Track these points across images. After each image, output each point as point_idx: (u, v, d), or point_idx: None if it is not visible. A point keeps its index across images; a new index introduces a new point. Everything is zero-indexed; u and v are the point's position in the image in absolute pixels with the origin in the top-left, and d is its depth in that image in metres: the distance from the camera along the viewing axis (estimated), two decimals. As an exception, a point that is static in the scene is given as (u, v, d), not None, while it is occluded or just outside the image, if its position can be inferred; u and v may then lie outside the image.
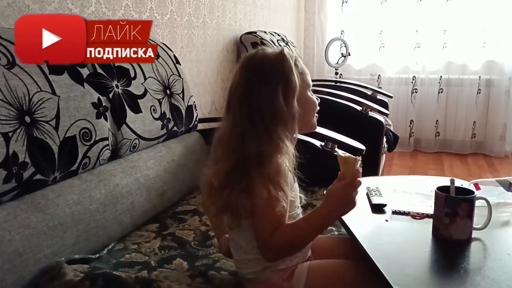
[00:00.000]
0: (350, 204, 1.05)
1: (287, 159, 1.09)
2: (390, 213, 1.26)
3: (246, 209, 1.06)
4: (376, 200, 1.32)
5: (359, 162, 1.06)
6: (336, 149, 1.13)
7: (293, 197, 1.12)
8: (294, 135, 1.13)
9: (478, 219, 1.12)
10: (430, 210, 1.18)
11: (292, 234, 1.05)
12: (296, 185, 1.16)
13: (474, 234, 1.12)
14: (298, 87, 1.10)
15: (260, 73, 1.09)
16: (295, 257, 1.14)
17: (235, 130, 1.07)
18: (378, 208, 1.29)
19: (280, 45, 3.37)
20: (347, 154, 1.07)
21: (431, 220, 1.16)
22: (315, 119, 1.21)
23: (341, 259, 1.20)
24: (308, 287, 1.13)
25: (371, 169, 2.71)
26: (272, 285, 1.13)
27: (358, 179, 1.04)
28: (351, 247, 1.24)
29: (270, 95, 1.06)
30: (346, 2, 4.88)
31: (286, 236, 1.04)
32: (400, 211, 1.26)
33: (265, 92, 1.07)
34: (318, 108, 1.21)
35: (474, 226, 1.11)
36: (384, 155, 3.41)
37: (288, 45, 3.68)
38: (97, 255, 1.30)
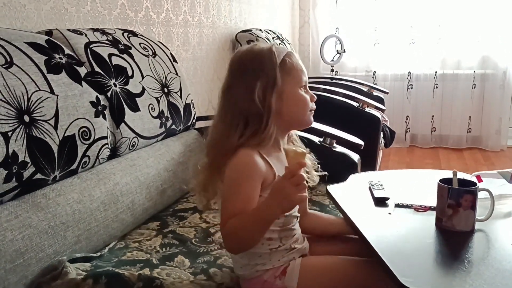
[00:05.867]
0: (285, 200, 0.96)
1: (268, 157, 1.10)
2: (393, 206, 1.27)
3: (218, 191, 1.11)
4: (378, 193, 1.32)
5: (303, 155, 1.02)
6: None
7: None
8: (275, 132, 1.11)
9: (480, 210, 1.13)
10: (433, 203, 1.18)
11: (237, 225, 1.00)
12: None
13: (477, 225, 1.12)
14: (281, 84, 1.10)
15: (241, 68, 1.13)
16: (282, 256, 1.14)
17: (215, 121, 1.14)
18: (380, 202, 1.29)
19: (275, 43, 3.37)
20: (295, 147, 1.03)
21: (434, 212, 1.16)
22: (308, 116, 1.18)
23: (337, 255, 1.19)
24: (301, 284, 1.11)
25: (368, 164, 2.71)
26: (264, 283, 1.13)
27: (299, 173, 0.95)
28: (349, 244, 1.25)
29: (246, 90, 1.09)
30: (340, -1, 4.89)
31: (233, 226, 1.01)
32: (402, 204, 1.26)
33: (242, 87, 1.10)
34: (313, 105, 1.19)
35: (477, 217, 1.12)
36: (381, 151, 3.41)
37: (284, 43, 3.69)
38: (99, 253, 1.30)
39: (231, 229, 1.01)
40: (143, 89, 1.68)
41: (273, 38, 3.43)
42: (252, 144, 1.08)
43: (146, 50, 1.81)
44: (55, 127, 1.24)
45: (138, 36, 1.85)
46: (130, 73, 1.64)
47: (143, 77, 1.70)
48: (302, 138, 1.29)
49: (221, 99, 1.14)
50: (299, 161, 0.98)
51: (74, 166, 1.32)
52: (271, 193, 0.99)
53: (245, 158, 1.06)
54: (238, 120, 1.09)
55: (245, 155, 1.07)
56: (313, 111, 1.19)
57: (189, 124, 1.99)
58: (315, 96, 1.20)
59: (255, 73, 1.10)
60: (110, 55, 1.59)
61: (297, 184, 0.95)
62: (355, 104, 3.20)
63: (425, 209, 1.23)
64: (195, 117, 2.05)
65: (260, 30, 3.34)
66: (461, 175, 1.18)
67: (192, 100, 2.01)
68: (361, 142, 2.11)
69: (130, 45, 1.73)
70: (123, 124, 1.55)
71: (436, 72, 4.69)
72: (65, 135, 1.27)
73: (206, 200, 1.15)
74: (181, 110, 1.90)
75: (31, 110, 1.18)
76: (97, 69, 1.51)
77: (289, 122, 1.17)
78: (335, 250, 1.23)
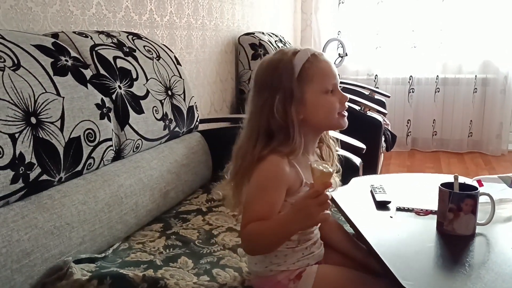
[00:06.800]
0: (308, 218, 0.99)
1: (291, 164, 1.10)
2: (394, 210, 1.28)
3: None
4: (380, 197, 1.33)
5: (330, 175, 0.99)
6: (314, 160, 1.14)
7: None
8: (303, 140, 1.11)
9: (481, 215, 1.14)
10: (434, 207, 1.19)
11: (257, 230, 1.03)
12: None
13: (478, 229, 1.13)
14: (301, 93, 1.10)
15: (259, 82, 1.15)
16: (297, 259, 1.15)
17: (241, 133, 1.16)
18: (382, 205, 1.30)
19: (278, 46, 3.38)
20: (322, 166, 1.00)
21: (435, 216, 1.17)
22: (337, 120, 1.16)
23: (353, 268, 1.19)
24: None
25: (369, 168, 2.73)
26: (277, 283, 1.14)
27: (324, 193, 0.97)
28: (365, 259, 1.24)
29: (265, 105, 1.11)
30: (342, 3, 4.90)
31: (253, 230, 1.04)
32: (404, 207, 1.28)
33: (261, 102, 1.12)
34: (343, 106, 1.17)
35: (477, 221, 1.13)
36: (382, 154, 3.43)
37: (286, 46, 3.70)
38: (103, 254, 1.31)
39: (251, 233, 1.04)
40: (147, 92, 1.69)
41: (275, 41, 3.44)
42: (283, 152, 1.08)
43: (150, 53, 1.82)
44: (61, 129, 1.25)
45: (142, 39, 1.87)
46: (134, 76, 1.65)
47: (147, 80, 1.71)
48: None
49: (246, 112, 1.16)
50: (325, 181, 0.98)
51: (79, 168, 1.33)
52: (295, 209, 1.01)
53: (272, 165, 1.07)
54: (258, 134, 1.10)
55: (274, 161, 1.08)
56: (345, 113, 1.18)
57: (192, 126, 2.01)
58: (347, 96, 1.18)
59: (272, 88, 1.10)
60: (115, 58, 1.60)
61: (321, 204, 0.97)
62: (357, 107, 3.22)
63: (426, 213, 1.24)
64: (198, 120, 2.06)
65: (263, 33, 3.36)
66: (462, 179, 1.20)
67: (195, 102, 2.03)
68: (362, 146, 2.12)
69: (135, 48, 1.75)
70: (127, 126, 1.56)
71: (437, 76, 4.70)
72: (71, 136, 1.28)
73: (235, 205, 1.18)
74: (185, 112, 1.91)
75: (38, 112, 1.19)
76: (102, 71, 1.52)
77: (316, 127, 1.17)
78: (350, 261, 1.24)
